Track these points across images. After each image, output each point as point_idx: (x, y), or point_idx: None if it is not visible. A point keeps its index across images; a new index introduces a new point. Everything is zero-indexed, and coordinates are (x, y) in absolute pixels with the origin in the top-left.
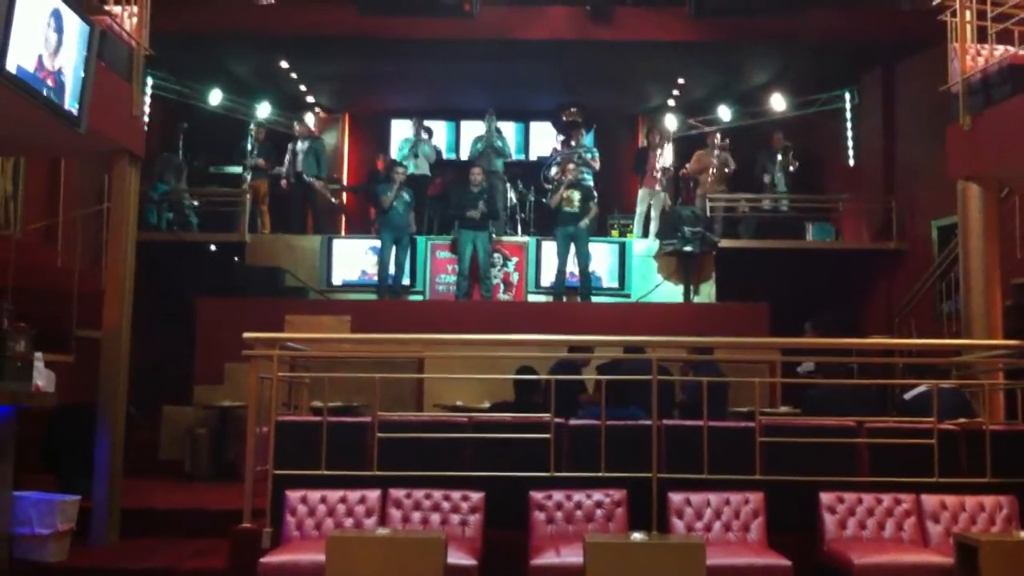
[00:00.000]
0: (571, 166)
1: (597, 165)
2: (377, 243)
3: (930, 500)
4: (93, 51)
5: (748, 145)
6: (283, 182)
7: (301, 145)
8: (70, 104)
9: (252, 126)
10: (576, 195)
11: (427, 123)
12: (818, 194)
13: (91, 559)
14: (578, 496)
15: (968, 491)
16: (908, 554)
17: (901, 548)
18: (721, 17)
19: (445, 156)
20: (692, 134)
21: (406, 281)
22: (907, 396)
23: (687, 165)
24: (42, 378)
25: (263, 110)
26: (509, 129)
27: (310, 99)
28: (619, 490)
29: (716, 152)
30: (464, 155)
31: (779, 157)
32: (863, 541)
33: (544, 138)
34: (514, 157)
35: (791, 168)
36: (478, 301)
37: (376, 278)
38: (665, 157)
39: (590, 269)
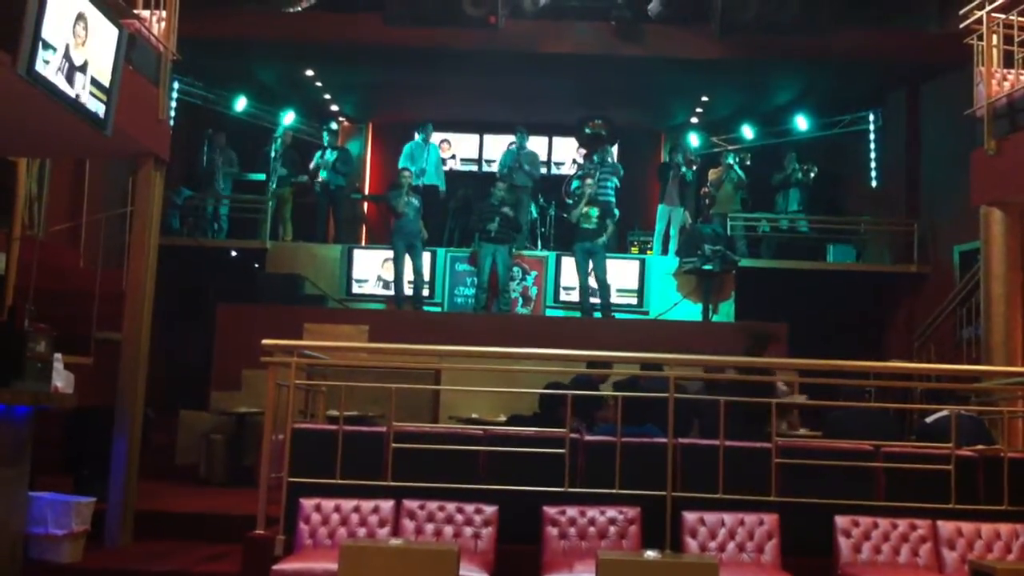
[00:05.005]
0: (589, 180)
1: (619, 181)
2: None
3: (946, 526)
4: (121, 54)
5: (772, 164)
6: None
7: (329, 154)
8: (96, 106)
9: (281, 132)
10: (594, 212)
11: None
12: (840, 215)
13: (105, 561)
14: (592, 512)
15: (985, 518)
16: None
17: (916, 574)
18: (746, 36)
19: (468, 169)
20: (715, 152)
21: (425, 291)
22: (928, 420)
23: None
24: (61, 379)
25: (288, 118)
26: (531, 144)
27: (334, 108)
28: (633, 507)
29: (727, 169)
30: (487, 168)
31: (789, 176)
32: (878, 566)
33: (567, 153)
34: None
35: (810, 175)
36: (496, 314)
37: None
38: (685, 175)
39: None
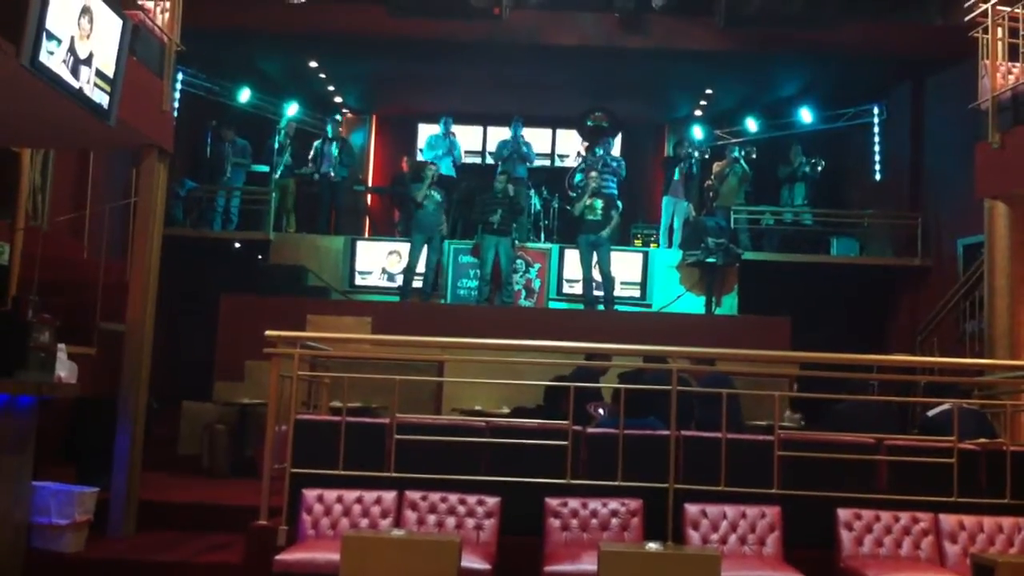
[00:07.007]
0: (593, 173)
1: (623, 173)
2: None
3: (948, 520)
4: (125, 45)
5: (777, 157)
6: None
7: (330, 145)
8: (100, 97)
9: (285, 123)
10: (599, 203)
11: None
12: (843, 208)
13: (107, 551)
14: (594, 504)
15: (987, 512)
16: (925, 573)
17: (918, 567)
18: (750, 28)
19: (472, 161)
20: (719, 144)
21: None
22: (930, 413)
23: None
24: (65, 369)
25: (291, 110)
26: (535, 135)
27: (338, 99)
28: (635, 500)
29: (732, 163)
30: (490, 160)
31: (795, 170)
32: (880, 559)
33: (570, 145)
34: (535, 163)
35: (818, 168)
36: (499, 307)
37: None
38: (693, 165)
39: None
